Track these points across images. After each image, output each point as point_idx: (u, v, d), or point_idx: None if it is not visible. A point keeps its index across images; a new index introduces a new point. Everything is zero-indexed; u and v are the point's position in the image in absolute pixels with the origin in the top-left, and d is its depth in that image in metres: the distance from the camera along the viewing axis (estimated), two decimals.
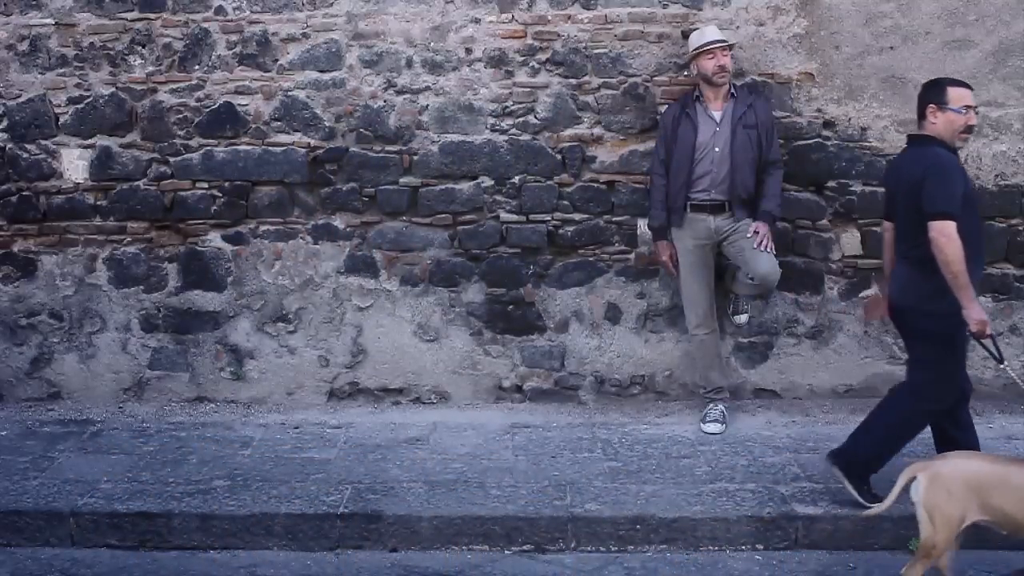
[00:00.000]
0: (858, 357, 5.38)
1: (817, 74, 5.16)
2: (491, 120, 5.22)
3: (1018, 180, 5.22)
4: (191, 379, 5.44)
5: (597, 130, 5.22)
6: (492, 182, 5.26)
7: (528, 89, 5.20)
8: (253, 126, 5.25)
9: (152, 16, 5.19)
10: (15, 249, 5.37)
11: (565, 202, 5.27)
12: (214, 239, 5.34)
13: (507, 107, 5.21)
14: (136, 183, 5.30)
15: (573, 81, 5.19)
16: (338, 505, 4.20)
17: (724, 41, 4.82)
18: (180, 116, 5.25)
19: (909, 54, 5.12)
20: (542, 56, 5.18)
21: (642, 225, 5.23)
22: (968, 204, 3.93)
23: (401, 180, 5.27)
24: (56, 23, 5.20)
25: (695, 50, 4.83)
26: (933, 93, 4.06)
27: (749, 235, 4.83)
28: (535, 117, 5.22)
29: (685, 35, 5.08)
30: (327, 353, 5.40)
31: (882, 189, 5.18)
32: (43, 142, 5.28)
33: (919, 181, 3.91)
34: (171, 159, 5.28)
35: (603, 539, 4.12)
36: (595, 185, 5.27)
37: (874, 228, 5.25)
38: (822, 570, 3.96)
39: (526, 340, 5.38)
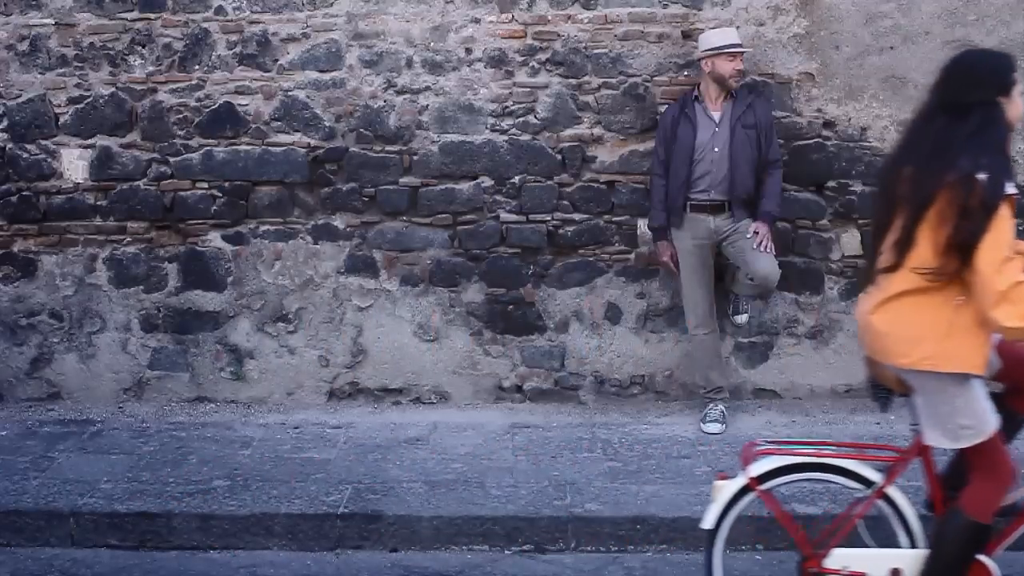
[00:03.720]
0: (858, 357, 5.32)
1: (817, 74, 5.15)
2: (491, 120, 5.21)
3: (1018, 180, 5.20)
4: (191, 379, 5.44)
5: (597, 130, 5.22)
6: (492, 182, 5.26)
7: (528, 89, 5.20)
8: (253, 126, 5.25)
9: (152, 16, 5.18)
10: (15, 249, 5.36)
11: (565, 202, 5.27)
12: (214, 239, 5.34)
13: (507, 107, 5.21)
14: (136, 183, 5.29)
15: (573, 81, 5.19)
16: (338, 505, 4.20)
17: (741, 45, 4.83)
18: (180, 116, 5.25)
19: (909, 54, 5.11)
20: (542, 56, 5.17)
21: (642, 225, 5.23)
22: None
23: (401, 180, 5.26)
24: (56, 23, 5.20)
25: (715, 49, 4.78)
26: None
27: (749, 235, 4.83)
28: (535, 117, 5.21)
29: (685, 35, 5.08)
30: (327, 353, 5.40)
31: None
32: (43, 142, 5.28)
33: None
34: (171, 159, 5.28)
35: (603, 539, 4.11)
36: (595, 185, 5.27)
37: None
38: None
39: (526, 340, 5.38)
